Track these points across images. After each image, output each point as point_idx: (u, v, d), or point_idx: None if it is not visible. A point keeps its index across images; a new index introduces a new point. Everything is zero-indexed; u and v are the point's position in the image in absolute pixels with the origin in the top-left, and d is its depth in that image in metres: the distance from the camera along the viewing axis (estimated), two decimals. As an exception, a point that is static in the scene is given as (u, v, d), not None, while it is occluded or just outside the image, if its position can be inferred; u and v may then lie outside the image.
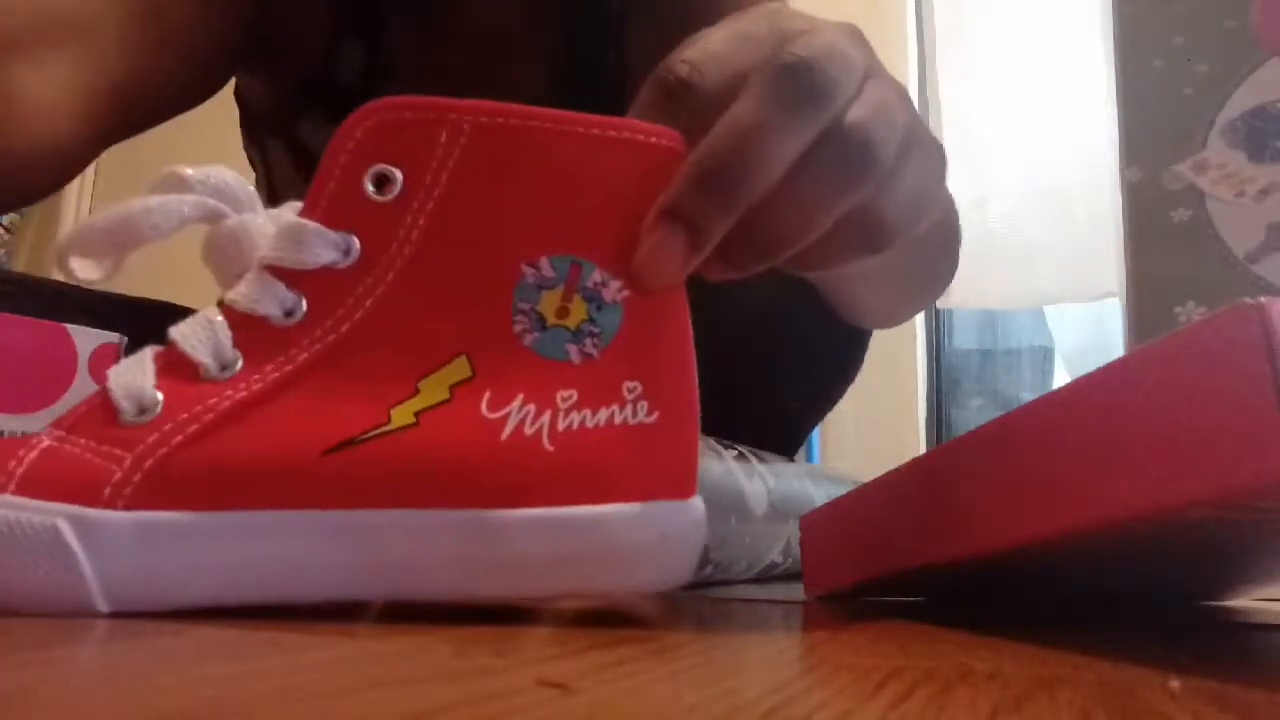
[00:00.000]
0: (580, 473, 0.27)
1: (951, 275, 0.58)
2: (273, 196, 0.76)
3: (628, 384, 0.27)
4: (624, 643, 0.25)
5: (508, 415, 0.27)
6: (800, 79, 0.27)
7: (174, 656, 0.21)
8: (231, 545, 0.26)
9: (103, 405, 0.27)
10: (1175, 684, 0.20)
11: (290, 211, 0.29)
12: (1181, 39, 0.45)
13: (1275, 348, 0.18)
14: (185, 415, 0.26)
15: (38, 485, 0.25)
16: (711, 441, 0.48)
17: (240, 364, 0.27)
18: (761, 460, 0.53)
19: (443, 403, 0.26)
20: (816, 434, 1.70)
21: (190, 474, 0.26)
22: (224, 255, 0.29)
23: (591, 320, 0.27)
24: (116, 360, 0.44)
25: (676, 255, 0.27)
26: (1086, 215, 1.69)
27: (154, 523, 0.25)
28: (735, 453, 0.50)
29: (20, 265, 2.34)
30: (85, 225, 0.28)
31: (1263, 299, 0.18)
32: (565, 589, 0.28)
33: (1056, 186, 1.78)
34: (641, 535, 0.28)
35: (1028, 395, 1.93)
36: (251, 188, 0.30)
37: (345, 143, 0.27)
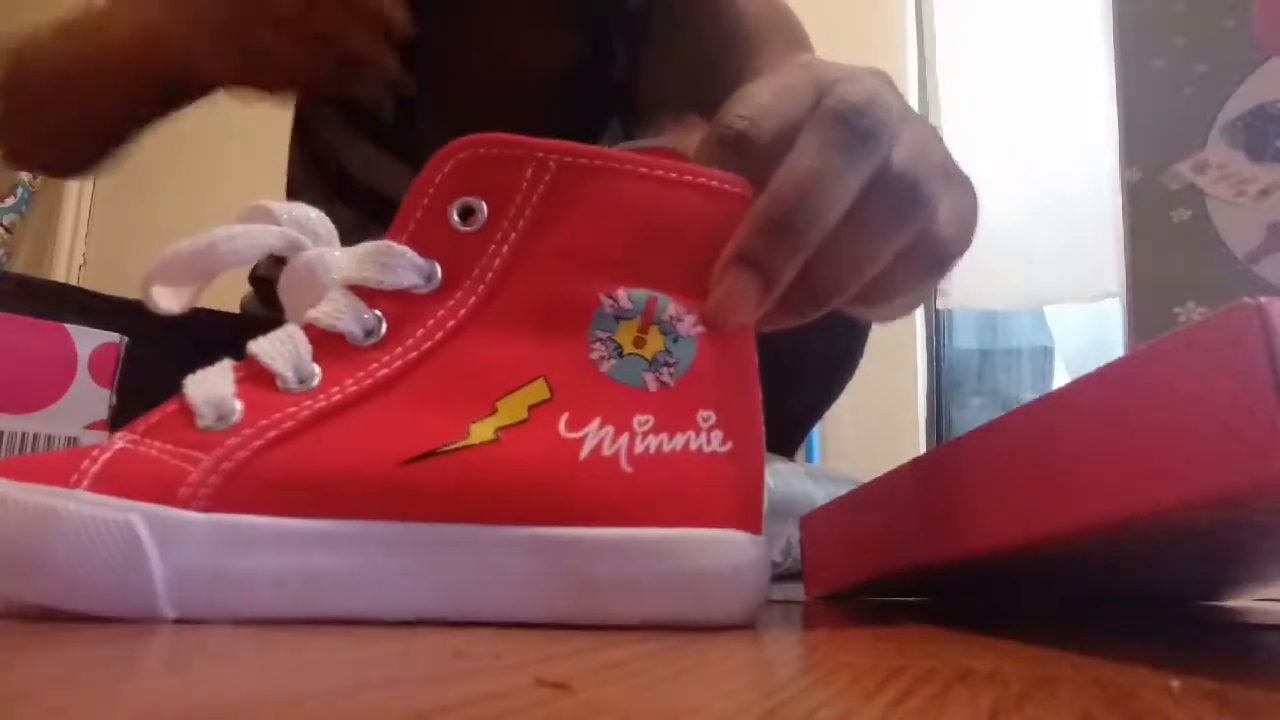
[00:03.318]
0: (658, 495, 0.27)
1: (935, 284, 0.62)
2: (338, 186, 0.77)
3: (702, 413, 0.28)
4: (624, 643, 0.25)
5: (586, 436, 0.27)
6: (852, 125, 0.29)
7: (174, 656, 0.21)
8: (305, 553, 0.26)
9: (180, 411, 0.27)
10: (1175, 684, 0.20)
11: (326, 238, 0.31)
12: (1181, 39, 0.45)
13: (1275, 348, 0.18)
14: (265, 422, 0.26)
15: (112, 483, 0.25)
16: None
17: (319, 378, 0.27)
18: (761, 460, 0.53)
19: (521, 422, 0.27)
20: (816, 434, 1.70)
21: (268, 479, 0.26)
22: (300, 285, 0.29)
23: (668, 351, 0.28)
24: (117, 360, 0.44)
25: (750, 298, 0.28)
26: (1086, 215, 1.69)
27: (231, 525, 0.25)
28: (735, 453, 0.50)
29: (20, 265, 2.34)
30: (171, 253, 0.29)
31: (1263, 299, 0.18)
32: (639, 615, 0.28)
33: (1056, 186, 1.78)
34: (716, 563, 0.28)
35: (1028, 395, 1.93)
36: (331, 225, 0.31)
37: (434, 174, 0.29)
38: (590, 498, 0.27)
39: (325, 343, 0.28)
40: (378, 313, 0.28)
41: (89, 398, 0.43)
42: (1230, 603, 0.44)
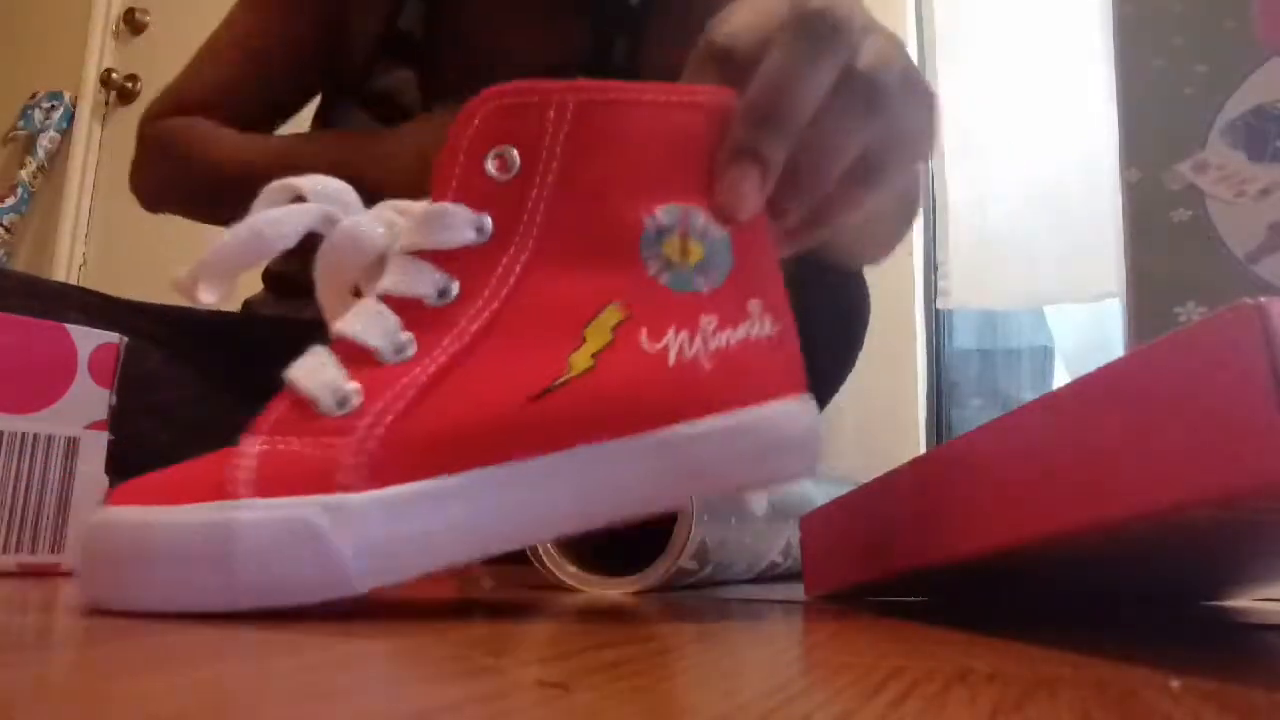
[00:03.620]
0: (735, 383, 0.31)
1: (914, 217, 0.66)
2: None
3: (752, 302, 0.32)
4: (624, 643, 0.25)
5: (667, 345, 0.30)
6: (817, 25, 0.32)
7: (174, 656, 0.21)
8: (462, 504, 0.28)
9: (296, 404, 0.28)
10: (1175, 684, 0.20)
11: (389, 209, 0.32)
12: (1181, 39, 0.45)
13: (1275, 348, 0.18)
14: (389, 394, 0.28)
15: (273, 485, 0.27)
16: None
17: (413, 345, 0.29)
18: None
19: (608, 345, 0.30)
20: (816, 434, 1.70)
21: (410, 447, 0.27)
22: (342, 255, 0.31)
23: (709, 256, 0.31)
24: (117, 360, 0.44)
25: (752, 183, 0.31)
26: (1086, 215, 1.69)
27: (392, 496, 0.27)
28: (735, 453, 0.50)
29: (20, 265, 2.34)
30: (220, 249, 0.30)
31: (1263, 299, 0.18)
32: (736, 485, 0.32)
33: (1056, 186, 1.77)
34: (790, 428, 0.32)
35: (1028, 395, 1.93)
36: (354, 192, 0.32)
37: (465, 129, 0.30)
38: (685, 397, 0.30)
39: (406, 309, 0.29)
40: (447, 274, 0.30)
41: (89, 398, 0.43)
42: (1230, 603, 0.44)
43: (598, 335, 0.29)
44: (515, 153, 0.30)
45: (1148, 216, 0.45)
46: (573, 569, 0.43)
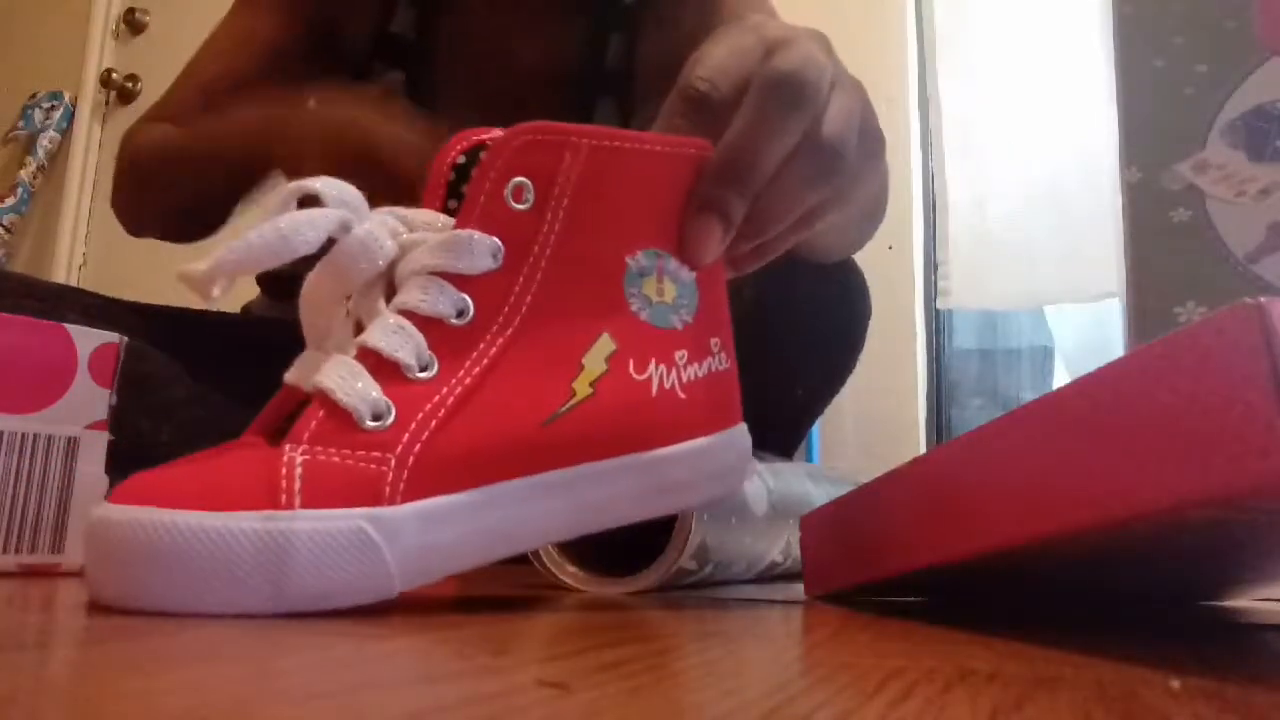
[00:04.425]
0: (702, 411, 0.35)
1: (882, 213, 0.69)
2: None
3: (713, 340, 0.36)
4: (624, 643, 0.25)
5: (650, 376, 0.34)
6: (785, 91, 0.34)
7: (174, 656, 0.21)
8: (487, 513, 0.31)
9: (332, 415, 0.30)
10: (1175, 684, 0.20)
11: (392, 218, 0.33)
12: (1181, 39, 0.45)
13: (1275, 348, 0.18)
14: (422, 414, 0.30)
15: (323, 497, 0.28)
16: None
17: (436, 363, 0.31)
18: (760, 459, 0.53)
19: (605, 373, 0.33)
20: (816, 434, 1.70)
21: (445, 463, 0.30)
22: (354, 260, 0.32)
23: (680, 295, 0.35)
24: (117, 360, 0.44)
25: (715, 235, 0.35)
26: (1086, 215, 1.69)
27: (431, 508, 0.30)
28: (735, 453, 0.50)
29: (20, 265, 2.34)
30: (240, 248, 0.31)
31: (1263, 299, 0.18)
32: (699, 501, 0.36)
33: (1056, 186, 1.77)
34: (740, 451, 0.37)
35: (1028, 395, 1.93)
36: (361, 197, 0.33)
37: (494, 161, 0.32)
38: (664, 423, 0.34)
39: (427, 327, 0.31)
40: (466, 296, 0.32)
41: (89, 398, 0.43)
42: (1230, 603, 0.44)
43: (595, 363, 0.32)
44: (532, 186, 0.32)
45: (1148, 216, 0.45)
46: (573, 569, 0.43)
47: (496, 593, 0.43)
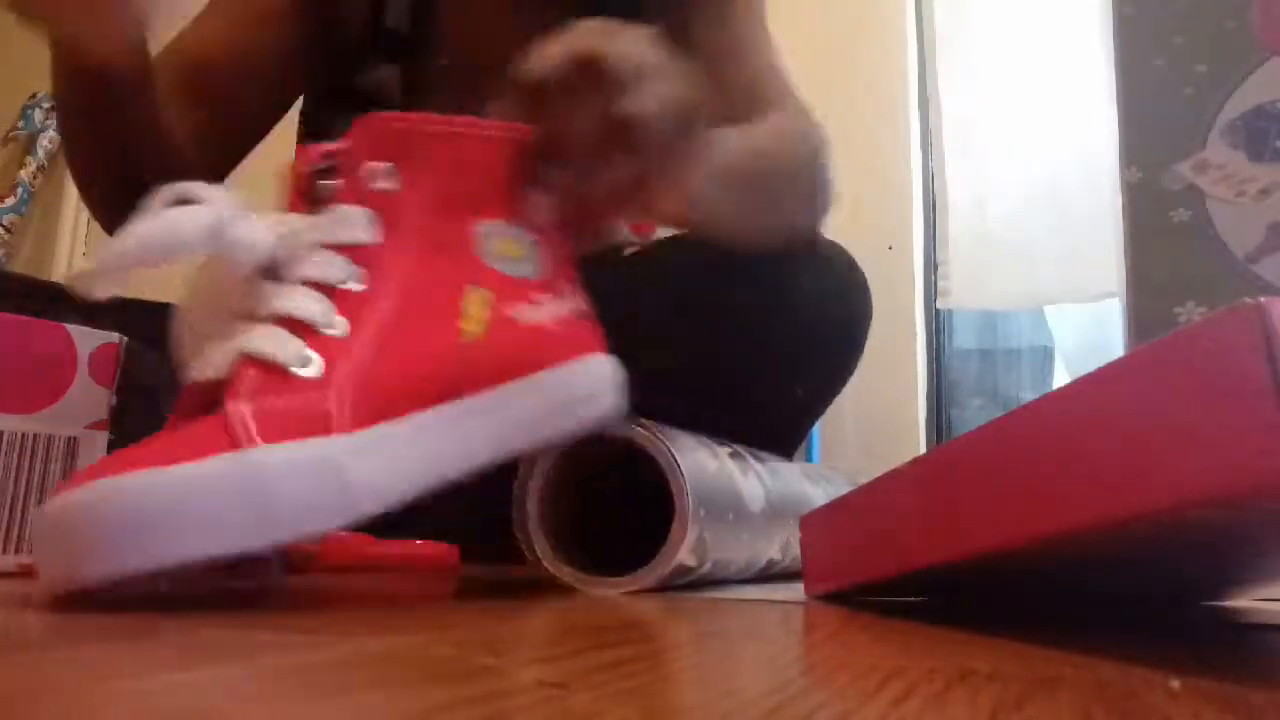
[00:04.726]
0: (568, 339, 0.40)
1: (817, 203, 0.70)
2: None
3: (565, 284, 0.41)
4: (624, 643, 0.25)
5: (523, 314, 0.39)
6: (598, 75, 0.39)
7: (173, 656, 0.21)
8: (422, 437, 0.34)
9: (264, 371, 0.32)
10: (1175, 684, 0.20)
11: (269, 218, 0.36)
12: (1181, 39, 0.45)
13: (1275, 348, 0.18)
14: (344, 358, 0.33)
15: (278, 433, 0.31)
16: (706, 440, 0.48)
17: (341, 321, 0.34)
18: (758, 459, 0.53)
19: (484, 315, 0.37)
20: (816, 434, 1.70)
21: (375, 396, 0.33)
22: (235, 252, 0.35)
23: (530, 251, 0.40)
24: (117, 360, 0.44)
25: (541, 204, 0.40)
26: (1086, 215, 1.69)
27: (378, 433, 0.33)
28: (730, 450, 0.50)
29: (20, 265, 2.34)
30: (124, 245, 0.33)
31: (1263, 299, 0.18)
32: (579, 416, 0.40)
33: (1056, 186, 1.77)
34: (612, 373, 0.41)
35: (1028, 395, 1.92)
36: (237, 196, 0.36)
37: (359, 149, 0.36)
38: (542, 350, 0.39)
39: (331, 292, 0.35)
40: (353, 264, 0.35)
41: (89, 398, 0.43)
42: (1230, 603, 0.44)
43: (477, 310, 0.37)
44: (393, 168, 0.37)
45: (1148, 216, 0.45)
46: (571, 569, 0.43)
47: (496, 593, 0.43)
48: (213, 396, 0.32)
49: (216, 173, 0.74)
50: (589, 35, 0.42)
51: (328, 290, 0.35)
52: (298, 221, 0.36)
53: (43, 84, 2.27)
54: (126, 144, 0.67)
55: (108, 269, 0.33)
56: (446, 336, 0.36)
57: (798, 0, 2.06)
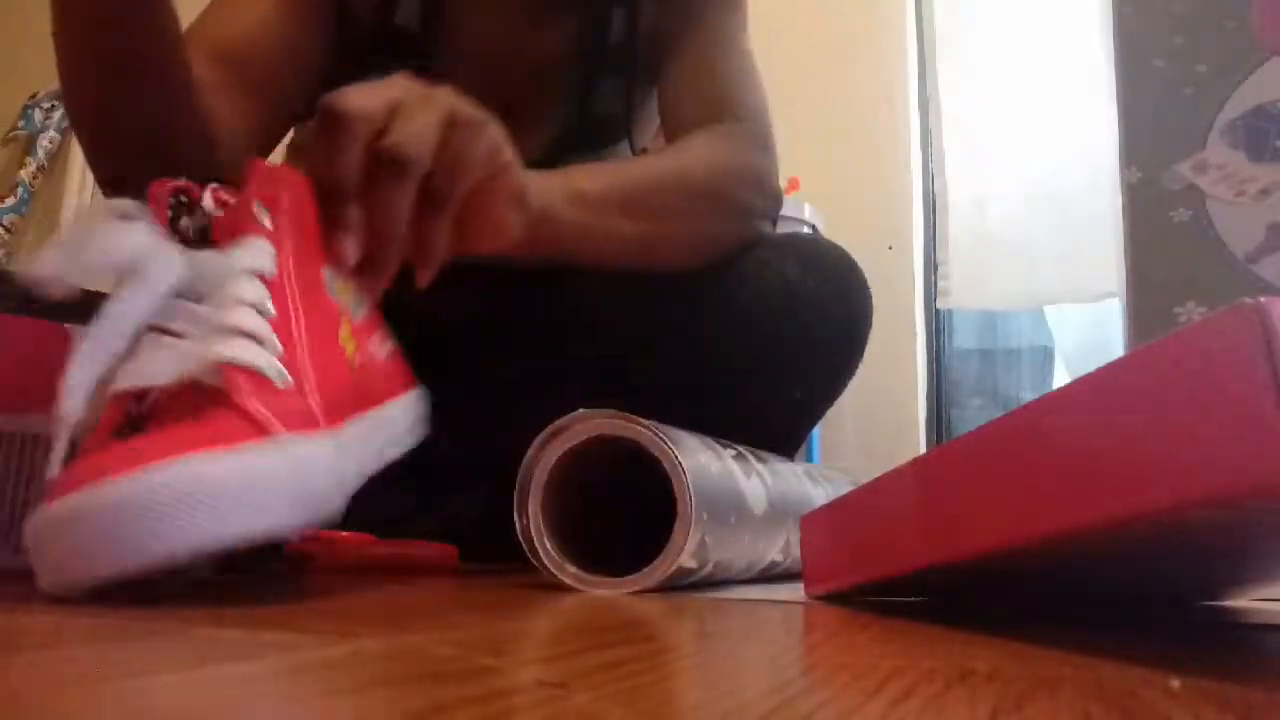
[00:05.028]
0: (401, 374, 0.44)
1: (733, 225, 0.71)
2: None
3: (381, 328, 0.44)
4: (624, 643, 0.25)
5: (375, 348, 0.42)
6: (335, 122, 0.42)
7: (174, 656, 0.21)
8: (357, 439, 0.38)
9: (253, 381, 0.34)
10: (1175, 684, 0.20)
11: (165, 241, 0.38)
12: (1181, 39, 0.45)
13: (1275, 348, 0.18)
14: (299, 369, 0.36)
15: (295, 427, 0.33)
16: (710, 441, 0.48)
17: (275, 337, 0.37)
18: (760, 460, 0.53)
19: (355, 347, 0.41)
20: (816, 434, 1.70)
21: (331, 398, 0.36)
22: (160, 272, 0.36)
23: (356, 294, 0.43)
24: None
25: (340, 245, 0.42)
26: (1086, 215, 1.69)
27: (343, 432, 0.37)
28: (734, 452, 0.50)
29: (20, 265, 2.34)
30: (54, 256, 0.34)
31: (1263, 299, 0.18)
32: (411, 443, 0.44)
33: (1056, 187, 1.77)
34: (421, 407, 0.45)
35: (1028, 395, 1.92)
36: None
37: (249, 188, 0.39)
38: (388, 380, 0.43)
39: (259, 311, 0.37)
40: (264, 289, 0.38)
41: (89, 398, 0.43)
42: (1230, 603, 0.44)
43: (346, 339, 0.41)
44: (269, 210, 0.39)
45: (1148, 216, 0.45)
46: (573, 569, 0.43)
47: (496, 593, 0.43)
48: (138, 410, 0.33)
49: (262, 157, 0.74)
50: (364, 93, 0.44)
51: (259, 310, 0.37)
52: (207, 252, 0.38)
53: (43, 84, 2.27)
54: (144, 92, 0.60)
55: (43, 275, 0.34)
56: (341, 361, 0.40)
57: (798, 1, 2.07)
